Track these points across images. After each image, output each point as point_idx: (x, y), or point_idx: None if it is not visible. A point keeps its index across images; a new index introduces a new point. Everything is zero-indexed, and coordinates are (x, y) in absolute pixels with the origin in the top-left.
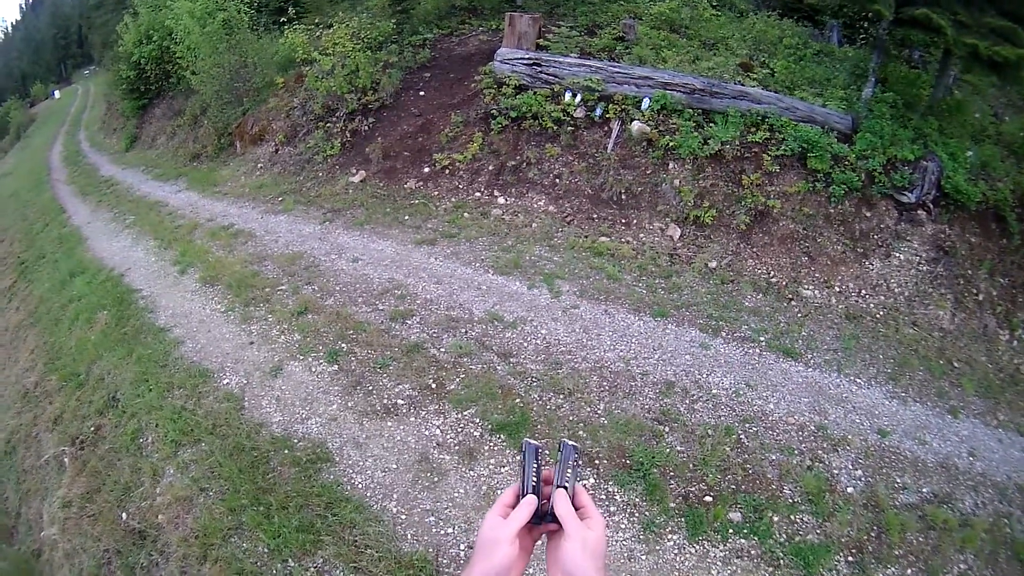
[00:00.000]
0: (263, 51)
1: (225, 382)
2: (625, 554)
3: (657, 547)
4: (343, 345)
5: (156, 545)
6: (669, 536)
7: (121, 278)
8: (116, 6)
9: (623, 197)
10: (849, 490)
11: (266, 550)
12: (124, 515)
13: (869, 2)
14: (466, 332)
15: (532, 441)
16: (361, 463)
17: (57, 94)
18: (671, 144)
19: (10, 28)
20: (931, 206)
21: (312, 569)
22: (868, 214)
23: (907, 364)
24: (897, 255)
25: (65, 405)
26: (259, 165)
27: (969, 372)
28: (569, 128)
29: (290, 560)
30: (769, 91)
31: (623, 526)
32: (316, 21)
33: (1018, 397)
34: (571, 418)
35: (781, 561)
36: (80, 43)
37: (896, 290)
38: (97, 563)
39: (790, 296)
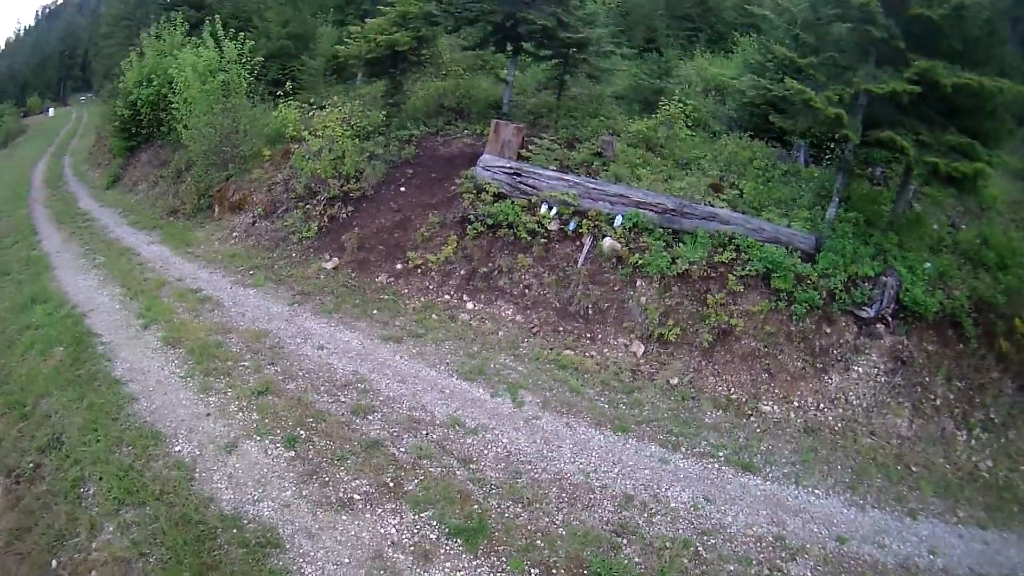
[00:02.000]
0: (255, 120)
1: (177, 449)
2: None
3: None
4: (302, 432)
5: None
6: None
7: (83, 318)
8: (124, 41)
9: (590, 312)
10: None
11: None
12: (54, 563)
13: (838, 127)
14: (427, 434)
15: None
16: (312, 553)
17: (52, 112)
18: (640, 262)
19: (23, 32)
20: (890, 319)
21: None
22: (828, 330)
23: (865, 472)
24: (856, 368)
25: (5, 433)
26: (234, 234)
27: (927, 475)
28: (542, 240)
29: None
30: (737, 212)
31: None
32: (311, 100)
33: (977, 493)
34: (529, 527)
35: None
36: (84, 67)
37: (854, 402)
38: None
39: (749, 412)
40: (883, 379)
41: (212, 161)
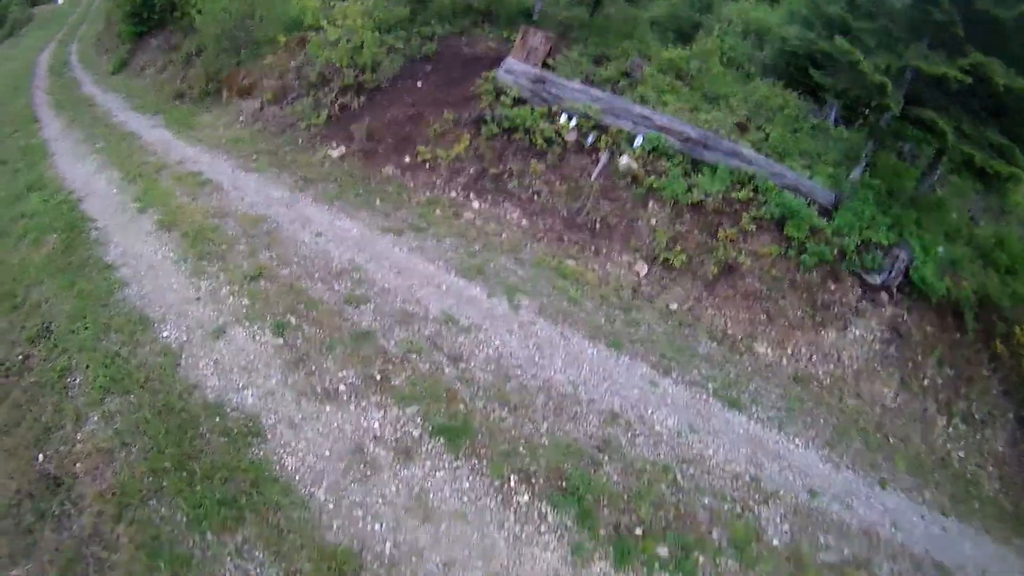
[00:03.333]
0: (273, 6)
1: (164, 335)
2: (551, 574)
3: (583, 571)
4: (292, 319)
5: (70, 495)
6: (596, 562)
7: (78, 203)
8: None
9: (598, 226)
10: (775, 542)
11: (185, 519)
12: (40, 456)
13: (880, 95)
14: (419, 328)
15: None
16: (294, 444)
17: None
18: (656, 185)
19: None
20: (895, 291)
21: (231, 546)
22: (833, 287)
23: (845, 433)
24: (853, 330)
25: None
26: (241, 118)
27: (903, 449)
28: (558, 149)
29: (209, 533)
30: (761, 154)
31: (552, 547)
32: None
33: (945, 480)
34: (513, 433)
35: None
36: None
37: (846, 362)
38: (7, 503)
39: (743, 350)
40: (878, 346)
41: (224, 46)
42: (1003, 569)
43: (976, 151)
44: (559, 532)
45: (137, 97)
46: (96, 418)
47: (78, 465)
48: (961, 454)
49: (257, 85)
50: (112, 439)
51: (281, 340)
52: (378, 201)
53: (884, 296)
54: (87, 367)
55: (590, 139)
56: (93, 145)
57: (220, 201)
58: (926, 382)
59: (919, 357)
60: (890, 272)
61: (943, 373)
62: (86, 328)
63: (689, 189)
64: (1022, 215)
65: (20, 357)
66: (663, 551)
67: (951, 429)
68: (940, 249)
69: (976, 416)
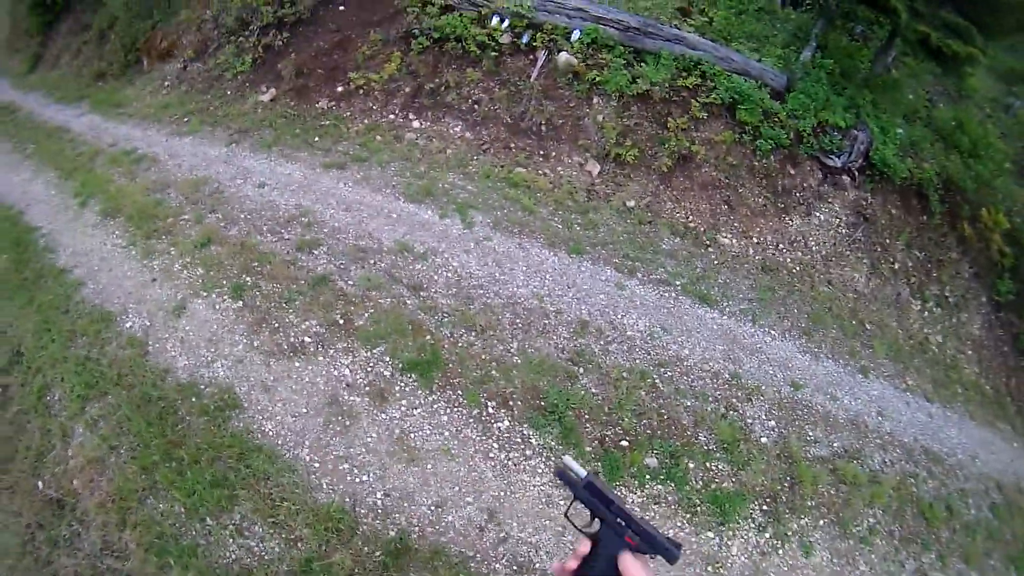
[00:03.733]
0: None
1: (128, 325)
2: (543, 500)
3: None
4: (247, 279)
5: (75, 514)
6: None
7: (20, 216)
8: None
9: (543, 128)
10: (763, 440)
11: (182, 509)
12: (40, 484)
13: None
14: (375, 263)
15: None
16: (270, 408)
17: None
18: (598, 79)
19: None
20: (856, 173)
21: (230, 527)
22: (792, 172)
23: (821, 321)
24: (817, 215)
25: None
26: (166, 83)
27: (880, 335)
28: (493, 54)
29: (208, 518)
30: (706, 39)
31: (540, 471)
32: None
33: (926, 365)
34: (483, 357)
35: (698, 508)
36: None
37: (814, 248)
38: (21, 540)
39: (708, 243)
40: (844, 231)
41: (135, 11)
42: (991, 454)
43: (931, 30)
44: (544, 454)
45: (57, 89)
46: (81, 429)
47: (75, 481)
48: (939, 338)
49: (176, 45)
50: (100, 446)
51: (240, 303)
52: (316, 138)
53: (846, 179)
54: (62, 379)
55: (525, 39)
56: (23, 152)
57: (158, 174)
58: (896, 266)
59: (887, 241)
60: (850, 154)
61: (912, 256)
62: (53, 340)
63: (634, 80)
64: (979, 100)
65: None
66: (651, 461)
67: (926, 313)
68: (899, 130)
69: (949, 299)
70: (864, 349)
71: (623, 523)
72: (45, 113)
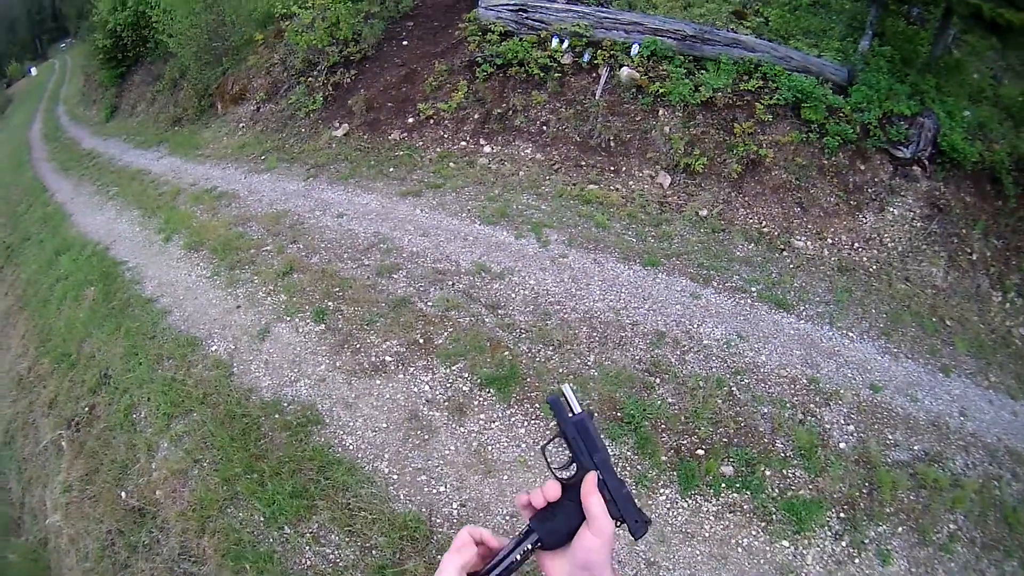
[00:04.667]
0: (240, 7)
1: (213, 349)
2: None
3: (650, 502)
4: (329, 303)
5: (156, 522)
6: (662, 490)
7: (106, 251)
8: None
9: (612, 144)
10: (841, 445)
11: (262, 518)
12: (123, 494)
13: None
14: (453, 284)
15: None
16: (351, 424)
17: (34, 71)
18: (661, 91)
19: None
20: (927, 163)
21: (308, 535)
22: (862, 167)
23: (899, 320)
24: (891, 210)
25: (59, 388)
26: (240, 124)
27: (961, 331)
28: (556, 75)
29: (286, 527)
30: (763, 39)
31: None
32: None
33: (1009, 359)
34: (561, 370)
35: (774, 516)
36: (55, 16)
37: (889, 245)
38: (101, 545)
39: (782, 247)
40: (919, 224)
41: (205, 60)
42: None
43: (981, 2)
44: (621, 464)
45: (136, 135)
46: (166, 444)
47: (157, 492)
48: (1022, 331)
49: (248, 88)
50: (184, 459)
51: (323, 326)
52: (391, 168)
53: (917, 170)
54: (148, 399)
55: (586, 57)
56: (107, 194)
57: (239, 209)
58: (974, 256)
59: (963, 231)
60: (918, 143)
61: (990, 245)
62: (140, 364)
63: (696, 88)
64: None
65: (86, 409)
66: (727, 469)
67: (1007, 305)
68: (966, 113)
69: None
70: (944, 347)
71: (601, 478)
72: (125, 157)
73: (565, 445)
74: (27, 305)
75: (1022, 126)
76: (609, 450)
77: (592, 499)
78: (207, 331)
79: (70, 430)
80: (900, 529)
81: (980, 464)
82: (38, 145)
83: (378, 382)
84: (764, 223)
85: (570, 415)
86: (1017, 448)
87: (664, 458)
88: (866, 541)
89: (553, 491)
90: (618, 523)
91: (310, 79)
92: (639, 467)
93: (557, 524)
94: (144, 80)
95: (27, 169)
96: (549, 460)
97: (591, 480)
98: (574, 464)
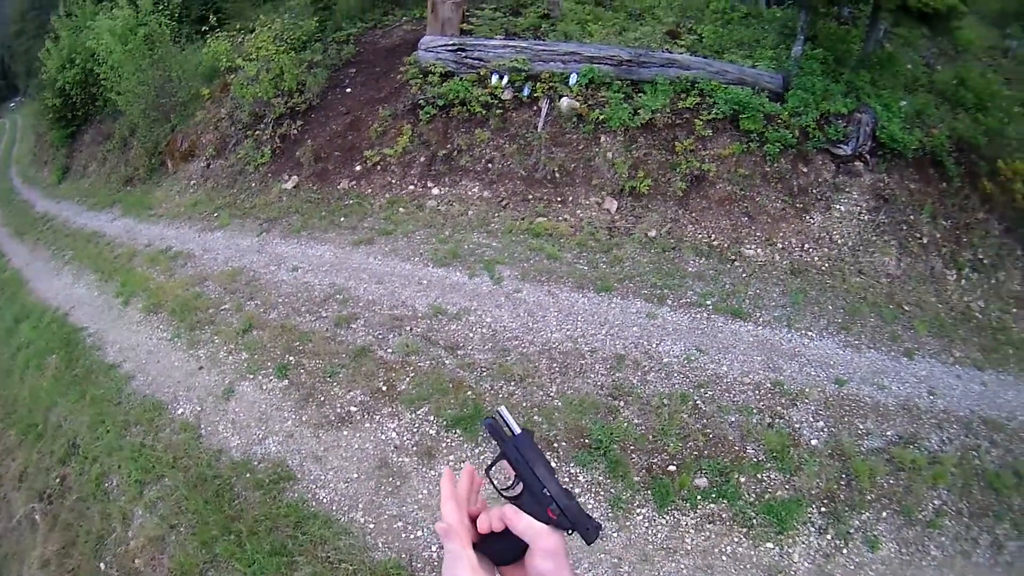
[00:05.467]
0: (186, 63)
1: (180, 412)
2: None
3: (627, 523)
4: (291, 358)
5: None
6: (638, 510)
7: (66, 317)
8: (37, 31)
9: (557, 175)
10: (813, 442)
11: None
12: (102, 565)
13: None
14: (411, 329)
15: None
16: (323, 477)
17: None
18: (601, 117)
19: None
20: (868, 157)
21: None
22: (805, 170)
23: (857, 312)
24: (837, 207)
25: (28, 459)
26: (192, 182)
27: (920, 314)
28: (498, 111)
29: None
30: (697, 56)
31: (591, 506)
32: (238, 27)
33: (971, 333)
34: (524, 404)
35: (753, 521)
36: (3, 74)
37: (839, 241)
38: None
39: (733, 257)
40: (866, 217)
41: (153, 117)
42: None
43: None
44: (594, 490)
45: (89, 197)
46: (140, 511)
47: (136, 561)
48: (981, 304)
49: (197, 145)
50: (160, 526)
51: (286, 381)
52: (342, 218)
53: (859, 165)
54: (119, 467)
55: (526, 91)
56: (63, 258)
57: (195, 268)
58: (925, 240)
59: (911, 217)
60: (858, 139)
61: (939, 227)
62: (107, 431)
63: (635, 112)
64: (977, 51)
65: (57, 480)
66: (701, 481)
67: (963, 281)
68: (903, 103)
69: (984, 262)
70: (905, 331)
71: (548, 493)
72: (79, 220)
73: (508, 466)
74: None
75: (958, 108)
76: (581, 477)
77: (522, 523)
78: (172, 394)
79: (43, 503)
80: (884, 514)
81: (956, 438)
82: None
83: (345, 433)
84: (713, 236)
85: (509, 435)
86: (991, 416)
87: (637, 478)
88: (851, 531)
89: (504, 518)
90: (569, 532)
91: (257, 132)
92: (612, 490)
93: (507, 543)
94: (94, 139)
95: None
96: (494, 480)
97: (509, 511)
98: (520, 483)
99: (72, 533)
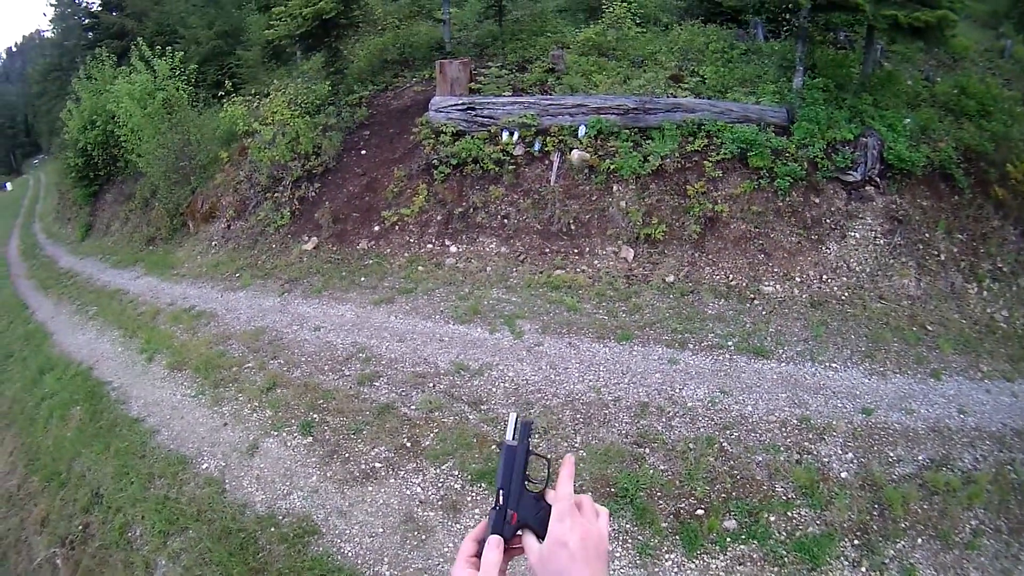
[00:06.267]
0: (205, 127)
1: (204, 466)
2: None
3: (656, 569)
4: (315, 416)
5: None
6: (666, 556)
7: (90, 371)
8: (59, 92)
9: (572, 227)
10: (843, 475)
11: None
12: None
13: None
14: (434, 386)
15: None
16: (348, 531)
17: (9, 186)
18: (612, 167)
19: None
20: (878, 180)
21: None
22: (817, 200)
23: (880, 338)
24: (852, 234)
25: (50, 506)
26: (213, 243)
27: (944, 332)
28: (510, 167)
29: None
30: (701, 98)
31: (618, 554)
32: (253, 91)
33: (997, 345)
34: (549, 455)
35: (785, 559)
36: (27, 132)
37: (857, 268)
38: None
39: (752, 296)
40: (882, 241)
41: (174, 179)
42: None
43: (896, 10)
44: (621, 538)
45: (112, 254)
46: (163, 561)
47: None
48: (1005, 313)
49: (217, 206)
50: (183, 575)
51: (310, 438)
52: (362, 278)
53: (870, 189)
54: (143, 517)
55: (536, 146)
56: (87, 313)
57: (218, 327)
58: (943, 256)
59: (927, 235)
60: (866, 164)
61: (955, 241)
62: (132, 483)
63: (645, 159)
64: (974, 57)
65: (80, 527)
66: (731, 523)
67: (985, 293)
68: (907, 121)
69: (1004, 270)
70: (930, 352)
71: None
72: (103, 277)
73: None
74: (13, 422)
75: (961, 117)
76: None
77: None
78: (196, 449)
79: (64, 548)
80: (920, 540)
81: (990, 455)
82: (16, 262)
83: (370, 488)
84: (731, 276)
85: (510, 442)
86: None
87: (664, 524)
88: (886, 561)
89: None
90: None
91: (276, 194)
92: (640, 537)
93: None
94: (116, 199)
95: (6, 285)
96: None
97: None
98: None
99: None
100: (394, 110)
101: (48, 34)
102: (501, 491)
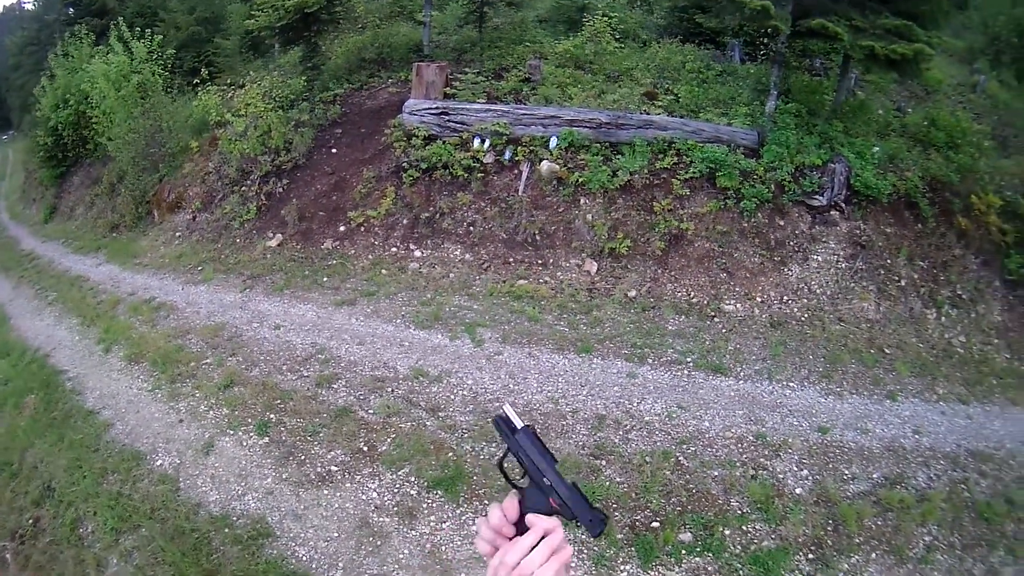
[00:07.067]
0: (177, 114)
1: (159, 463)
2: None
3: None
4: (272, 416)
5: None
6: (621, 568)
7: (47, 359)
8: (34, 67)
9: (537, 238)
10: (797, 491)
11: None
12: None
13: (766, 19)
14: (392, 391)
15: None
16: (302, 535)
17: None
18: (581, 180)
19: None
20: (843, 205)
21: None
22: (782, 223)
23: (838, 360)
24: (815, 257)
25: (1, 498)
26: (177, 234)
27: (901, 355)
28: (479, 174)
29: None
30: (674, 117)
31: (573, 564)
32: (229, 81)
33: (954, 369)
34: (506, 465)
35: (740, 572)
36: None
37: (818, 291)
38: None
39: (712, 314)
40: (844, 265)
41: (142, 166)
42: None
43: (874, 41)
44: (576, 548)
45: (75, 239)
46: (115, 559)
47: None
48: (962, 339)
49: (184, 196)
50: (135, 575)
51: (267, 439)
52: (325, 278)
53: (835, 214)
54: (95, 513)
55: (507, 155)
56: (46, 299)
57: (178, 320)
58: (903, 282)
59: (888, 261)
60: (832, 189)
61: (916, 268)
62: (84, 477)
63: (614, 174)
64: (947, 90)
65: (30, 521)
66: (686, 536)
67: (943, 318)
68: (875, 149)
69: (963, 297)
70: (887, 374)
71: (549, 483)
72: (64, 262)
73: (516, 460)
74: None
75: (930, 148)
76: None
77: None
78: (151, 445)
79: (14, 542)
80: (874, 555)
81: (944, 473)
82: None
83: (326, 492)
84: (692, 294)
85: (514, 431)
86: (978, 448)
87: (620, 536)
88: (840, 574)
89: (511, 508)
90: (576, 523)
91: (244, 188)
92: (595, 548)
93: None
94: (83, 182)
95: None
96: (507, 474)
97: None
98: (526, 475)
99: (44, 575)
100: (368, 110)
101: (29, 6)
102: (540, 472)
